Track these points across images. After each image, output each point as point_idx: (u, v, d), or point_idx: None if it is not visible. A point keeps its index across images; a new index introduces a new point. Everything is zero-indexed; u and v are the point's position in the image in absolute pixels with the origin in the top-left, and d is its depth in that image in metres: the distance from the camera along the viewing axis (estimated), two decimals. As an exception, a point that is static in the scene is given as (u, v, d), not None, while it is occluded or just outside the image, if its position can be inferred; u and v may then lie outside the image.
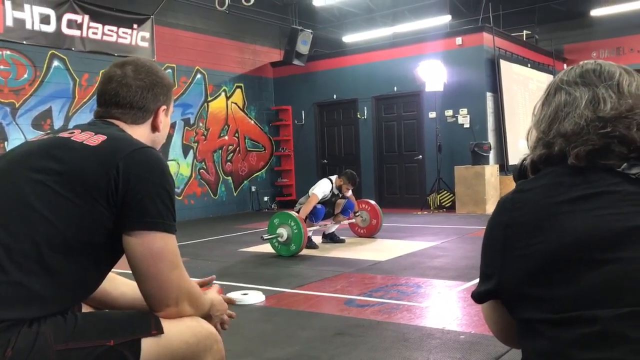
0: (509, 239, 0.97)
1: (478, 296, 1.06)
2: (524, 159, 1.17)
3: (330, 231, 6.73)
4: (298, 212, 6.26)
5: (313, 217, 6.32)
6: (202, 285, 1.61)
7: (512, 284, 0.97)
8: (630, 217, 0.90)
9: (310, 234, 6.30)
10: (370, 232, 7.11)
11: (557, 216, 0.93)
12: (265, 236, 5.99)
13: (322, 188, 6.38)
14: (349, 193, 6.73)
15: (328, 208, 6.59)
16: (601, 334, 0.85)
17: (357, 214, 6.99)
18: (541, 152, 1.02)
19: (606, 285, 0.87)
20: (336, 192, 6.57)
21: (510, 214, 0.99)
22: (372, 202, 7.26)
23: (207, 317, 1.45)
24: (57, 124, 8.46)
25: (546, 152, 1.01)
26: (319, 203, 6.37)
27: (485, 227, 1.06)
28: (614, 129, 0.95)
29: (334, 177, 6.60)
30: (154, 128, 1.49)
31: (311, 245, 6.29)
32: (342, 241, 6.69)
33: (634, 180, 0.93)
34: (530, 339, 0.94)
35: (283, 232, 5.90)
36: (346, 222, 6.93)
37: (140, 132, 1.45)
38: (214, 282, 1.69)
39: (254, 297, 4.09)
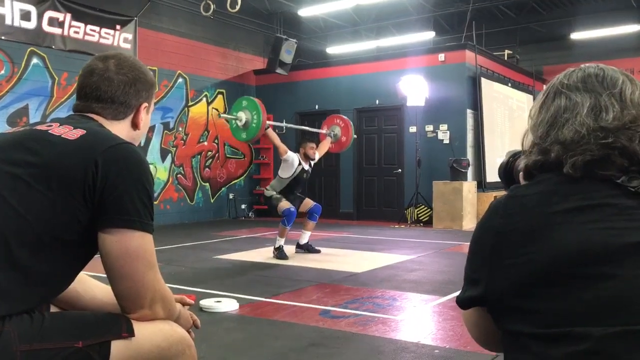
0: (499, 246, 0.94)
1: (462, 302, 1.02)
2: (512, 157, 1.14)
3: (305, 241, 6.69)
4: (268, 196, 6.33)
5: (286, 220, 6.27)
6: (178, 301, 1.55)
7: (499, 293, 0.94)
8: (626, 232, 0.87)
9: (282, 243, 6.28)
10: (339, 148, 7.23)
11: (550, 227, 0.90)
12: (223, 114, 6.13)
13: (292, 155, 6.33)
14: (316, 155, 6.61)
15: (299, 190, 6.51)
16: (591, 353, 0.82)
17: (329, 132, 7.10)
18: (536, 159, 0.98)
19: (599, 302, 0.84)
20: (306, 167, 6.46)
21: (502, 220, 0.96)
22: (346, 118, 7.26)
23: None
24: (34, 122, 8.29)
25: (542, 158, 0.97)
26: (290, 181, 6.31)
27: (473, 233, 1.02)
28: (616, 140, 0.91)
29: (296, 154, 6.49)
30: (134, 125, 1.46)
31: (281, 256, 6.25)
32: (318, 251, 6.65)
33: (633, 194, 0.90)
34: (516, 352, 0.91)
35: (242, 116, 5.96)
36: (319, 130, 7.06)
37: (119, 128, 1.40)
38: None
39: (227, 305, 4.03)
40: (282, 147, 6.32)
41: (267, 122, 6.20)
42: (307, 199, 6.65)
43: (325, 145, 6.96)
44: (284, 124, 6.74)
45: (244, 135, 6.12)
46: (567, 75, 1.03)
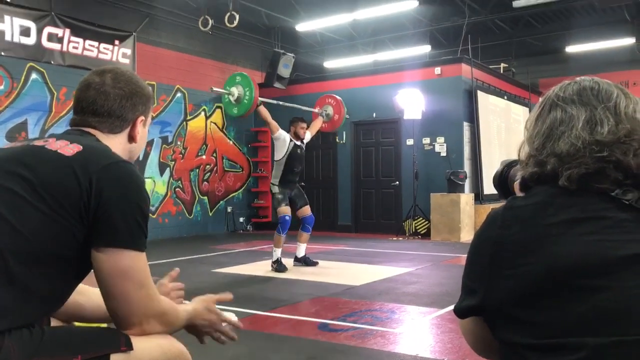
0: (497, 257, 0.95)
1: (460, 311, 1.03)
2: (506, 166, 1.15)
3: (302, 254, 6.68)
4: (273, 192, 6.43)
5: (280, 227, 6.30)
6: (171, 280, 1.56)
7: (496, 303, 0.95)
8: (621, 245, 0.88)
9: (279, 255, 6.29)
10: (332, 127, 7.36)
11: (547, 239, 0.91)
12: (216, 88, 6.26)
13: (283, 132, 6.43)
14: (307, 134, 6.70)
15: (298, 167, 6.54)
16: None
17: (321, 112, 7.18)
18: (533, 171, 1.00)
19: (594, 314, 0.85)
20: (298, 142, 6.52)
21: (499, 230, 0.97)
22: (338, 97, 7.31)
23: (193, 327, 1.40)
24: (33, 137, 8.31)
25: (538, 170, 0.99)
26: (286, 160, 6.38)
27: (470, 243, 1.04)
28: (611, 154, 0.93)
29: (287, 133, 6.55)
30: (131, 138, 1.46)
31: (280, 268, 6.25)
32: (315, 264, 6.65)
33: (627, 207, 0.91)
34: None
35: (235, 91, 6.05)
36: (311, 109, 7.18)
37: (116, 142, 1.42)
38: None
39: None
40: (273, 123, 6.37)
41: (259, 98, 6.32)
42: (307, 207, 6.66)
43: (317, 125, 7.05)
44: (275, 101, 6.86)
45: (235, 110, 6.25)
46: (563, 88, 1.04)
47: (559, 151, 0.96)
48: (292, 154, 6.43)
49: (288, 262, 6.46)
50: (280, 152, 6.42)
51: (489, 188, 10.20)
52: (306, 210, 6.61)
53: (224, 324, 1.46)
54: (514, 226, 0.96)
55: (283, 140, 6.41)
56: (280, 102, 7.35)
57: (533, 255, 0.91)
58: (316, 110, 7.22)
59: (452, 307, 4.28)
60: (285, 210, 6.35)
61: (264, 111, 6.36)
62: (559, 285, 0.88)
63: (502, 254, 0.95)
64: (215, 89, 6.34)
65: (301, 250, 6.66)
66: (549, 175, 0.97)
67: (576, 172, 0.93)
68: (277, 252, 6.31)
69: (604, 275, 0.87)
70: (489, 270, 0.96)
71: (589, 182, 0.93)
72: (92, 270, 1.27)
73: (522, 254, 0.92)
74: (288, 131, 6.53)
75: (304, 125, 6.60)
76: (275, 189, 6.45)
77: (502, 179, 1.24)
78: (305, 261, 6.65)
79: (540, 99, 1.08)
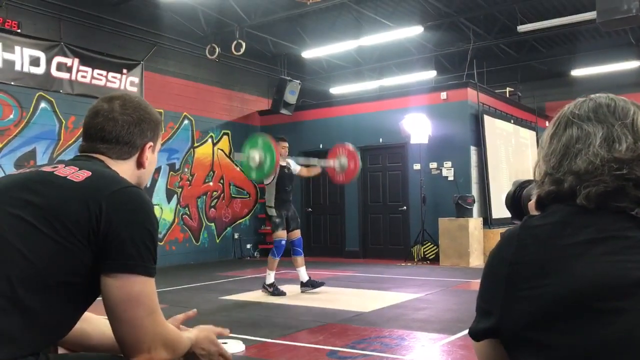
0: (513, 277, 0.93)
1: (475, 334, 1.00)
2: (519, 186, 1.13)
3: (306, 279, 6.62)
4: (270, 214, 6.52)
5: (276, 251, 6.39)
6: (186, 318, 1.55)
7: (513, 325, 0.92)
8: None
9: (273, 278, 6.37)
10: (349, 177, 6.88)
11: (564, 259, 0.89)
12: (238, 154, 6.27)
13: None
14: (293, 163, 6.75)
15: (289, 187, 6.62)
16: None
17: (334, 161, 6.83)
18: (549, 189, 0.98)
19: (616, 338, 0.83)
20: (283, 163, 6.57)
21: (515, 250, 0.95)
22: (348, 145, 6.85)
23: (191, 354, 1.39)
24: (41, 164, 8.36)
25: (555, 188, 0.97)
26: (276, 182, 6.45)
27: (485, 263, 1.01)
28: (630, 172, 0.91)
29: None
30: (140, 164, 1.46)
31: (278, 292, 6.31)
32: (322, 284, 6.59)
33: None
34: None
35: (256, 157, 5.99)
36: (326, 163, 6.78)
37: (125, 168, 1.42)
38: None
39: (233, 346, 3.97)
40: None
41: (299, 167, 6.68)
42: (298, 230, 6.71)
43: (313, 171, 6.99)
44: (303, 159, 7.06)
45: (253, 174, 6.29)
46: (578, 105, 1.02)
47: (577, 169, 0.94)
48: (281, 174, 6.54)
49: (294, 289, 6.40)
50: (270, 176, 6.48)
51: (497, 212, 10.14)
52: (296, 234, 6.69)
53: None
54: (530, 246, 0.93)
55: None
56: (300, 160, 7.13)
57: (551, 276, 0.89)
58: (331, 163, 6.79)
59: (462, 333, 4.22)
60: (281, 234, 6.48)
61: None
62: (578, 307, 0.86)
63: (518, 274, 0.92)
64: (237, 154, 6.48)
65: (303, 274, 6.61)
66: (566, 193, 0.95)
67: (595, 191, 0.91)
68: (272, 276, 6.42)
69: (625, 297, 0.84)
70: (505, 291, 0.94)
71: (607, 201, 0.91)
72: (99, 298, 1.26)
73: (539, 274, 0.90)
74: None
75: (285, 144, 6.71)
76: (273, 212, 6.53)
77: (515, 200, 1.22)
78: (311, 284, 6.59)
79: (555, 117, 1.06)
